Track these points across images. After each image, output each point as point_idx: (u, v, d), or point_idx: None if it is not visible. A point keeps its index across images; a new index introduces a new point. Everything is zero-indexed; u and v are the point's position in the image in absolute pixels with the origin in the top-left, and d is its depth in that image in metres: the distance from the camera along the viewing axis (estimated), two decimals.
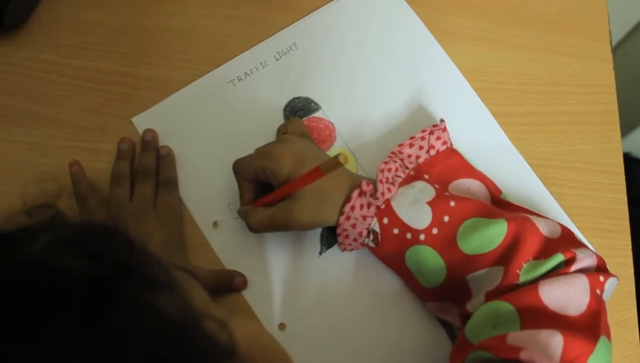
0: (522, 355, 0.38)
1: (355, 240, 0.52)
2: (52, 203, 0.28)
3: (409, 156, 0.54)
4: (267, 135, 0.58)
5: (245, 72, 0.61)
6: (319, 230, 0.56)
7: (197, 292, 0.29)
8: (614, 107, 0.62)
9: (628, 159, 0.74)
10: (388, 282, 0.55)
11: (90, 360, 0.22)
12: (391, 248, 0.50)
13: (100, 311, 0.22)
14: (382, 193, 0.49)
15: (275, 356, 0.40)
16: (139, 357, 0.22)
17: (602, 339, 0.41)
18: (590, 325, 0.42)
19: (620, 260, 0.58)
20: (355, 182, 0.50)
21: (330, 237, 0.56)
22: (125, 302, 0.23)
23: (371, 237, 0.51)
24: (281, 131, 0.56)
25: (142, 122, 0.59)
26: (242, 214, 0.53)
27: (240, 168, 0.52)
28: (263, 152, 0.52)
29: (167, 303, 0.25)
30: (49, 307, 0.22)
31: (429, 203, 0.49)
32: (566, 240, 0.48)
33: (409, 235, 0.49)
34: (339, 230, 0.51)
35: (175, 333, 0.24)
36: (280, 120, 0.59)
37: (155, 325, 0.24)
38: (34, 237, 0.25)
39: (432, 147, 0.54)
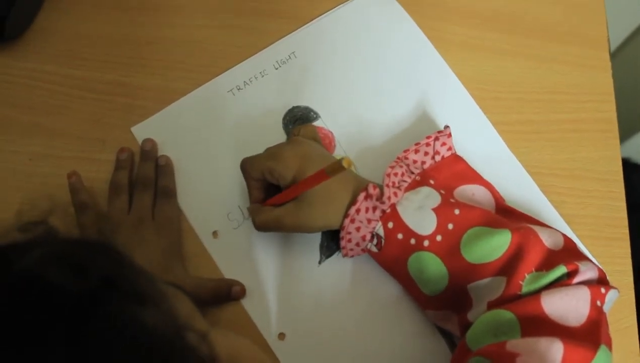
0: (518, 361, 0.38)
1: (357, 244, 0.51)
2: (45, 220, 0.29)
3: (415, 161, 0.54)
4: (267, 144, 0.57)
5: (245, 82, 0.61)
6: (318, 240, 0.56)
7: (183, 304, 0.30)
8: (613, 115, 0.63)
9: (627, 165, 0.74)
10: (388, 290, 0.55)
11: None
12: (394, 254, 0.50)
13: (83, 324, 0.23)
14: (389, 197, 0.49)
15: None
16: None
17: (603, 348, 0.42)
18: (590, 335, 0.42)
19: (620, 268, 0.58)
20: (360, 186, 0.50)
21: (330, 245, 0.56)
22: (108, 315, 0.24)
23: (374, 241, 0.51)
24: (294, 134, 0.55)
25: (141, 131, 0.59)
26: (251, 212, 0.53)
27: (248, 167, 0.52)
28: (272, 153, 0.52)
29: (151, 316, 0.25)
30: (34, 319, 0.23)
31: (434, 209, 0.49)
32: (568, 252, 0.48)
33: (413, 241, 0.49)
34: (342, 234, 0.51)
35: (159, 345, 0.25)
36: (279, 129, 0.60)
37: (138, 337, 0.24)
38: (26, 252, 0.25)
39: (437, 152, 0.54)
